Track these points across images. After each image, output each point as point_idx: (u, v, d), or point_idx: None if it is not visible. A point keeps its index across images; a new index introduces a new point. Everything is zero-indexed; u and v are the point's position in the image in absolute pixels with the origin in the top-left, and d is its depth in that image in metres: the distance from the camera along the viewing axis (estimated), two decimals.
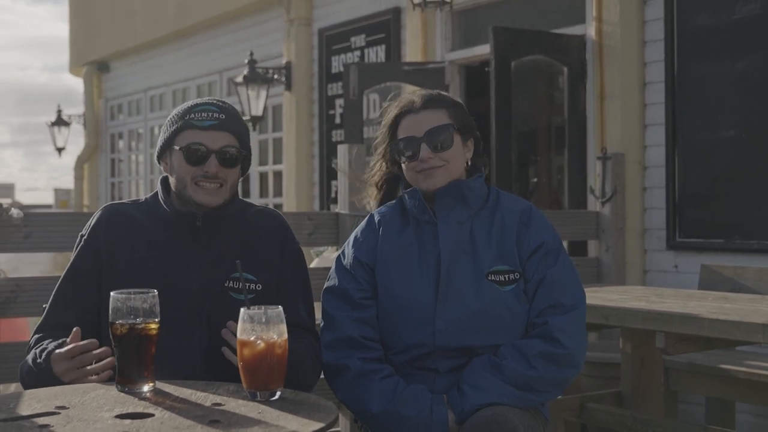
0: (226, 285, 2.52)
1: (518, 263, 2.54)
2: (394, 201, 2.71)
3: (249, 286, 2.52)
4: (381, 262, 2.59)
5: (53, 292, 2.57)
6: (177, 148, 2.52)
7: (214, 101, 2.60)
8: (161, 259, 2.51)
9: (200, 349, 2.48)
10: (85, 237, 2.56)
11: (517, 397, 2.44)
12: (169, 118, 2.60)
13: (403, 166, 2.63)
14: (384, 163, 2.71)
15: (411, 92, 2.74)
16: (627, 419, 3.92)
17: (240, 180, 2.65)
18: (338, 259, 2.67)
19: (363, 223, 2.70)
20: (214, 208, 2.53)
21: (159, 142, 2.62)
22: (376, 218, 2.68)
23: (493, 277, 2.52)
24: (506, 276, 2.52)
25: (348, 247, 2.66)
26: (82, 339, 2.44)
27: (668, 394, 4.29)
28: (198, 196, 2.51)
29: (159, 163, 2.64)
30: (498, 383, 2.43)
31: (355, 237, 2.67)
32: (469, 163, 2.65)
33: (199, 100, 2.61)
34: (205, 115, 2.53)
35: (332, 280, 2.64)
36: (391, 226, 2.64)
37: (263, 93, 8.38)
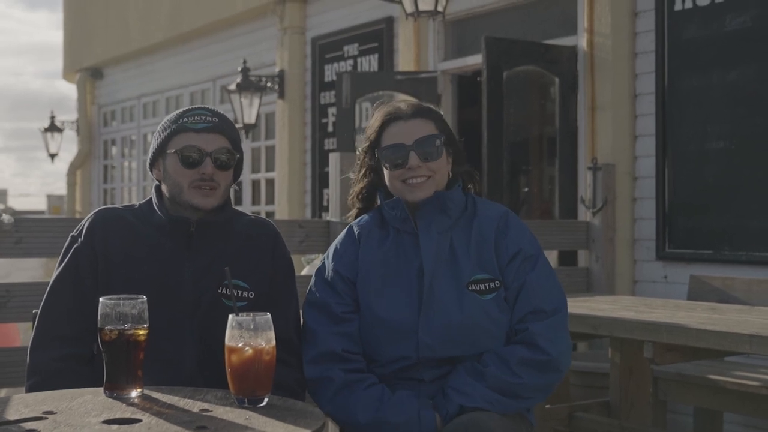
0: (219, 291, 2.52)
1: (497, 271, 2.53)
2: (371, 212, 2.70)
3: (241, 294, 2.53)
4: (362, 275, 2.58)
5: (48, 296, 2.55)
6: (171, 151, 2.53)
7: (206, 107, 2.62)
8: (155, 264, 2.52)
9: (192, 354, 2.49)
10: (81, 239, 2.55)
11: (501, 402, 2.44)
12: (160, 126, 2.60)
13: (386, 174, 2.60)
14: (364, 170, 2.68)
15: (397, 101, 2.72)
16: (615, 429, 3.94)
17: (234, 189, 2.66)
18: (318, 272, 2.65)
19: (342, 235, 2.69)
20: (208, 211, 2.54)
21: (151, 150, 2.62)
22: (356, 230, 2.66)
23: (473, 287, 2.51)
24: (486, 285, 2.52)
25: (328, 260, 2.64)
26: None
27: (656, 403, 4.30)
28: (194, 199, 2.52)
29: (151, 171, 2.63)
30: (482, 389, 2.43)
31: (335, 250, 2.65)
32: (450, 175, 2.64)
33: (190, 107, 2.62)
34: (199, 119, 2.54)
35: (313, 294, 2.62)
36: (370, 238, 2.62)
37: (256, 101, 8.39)
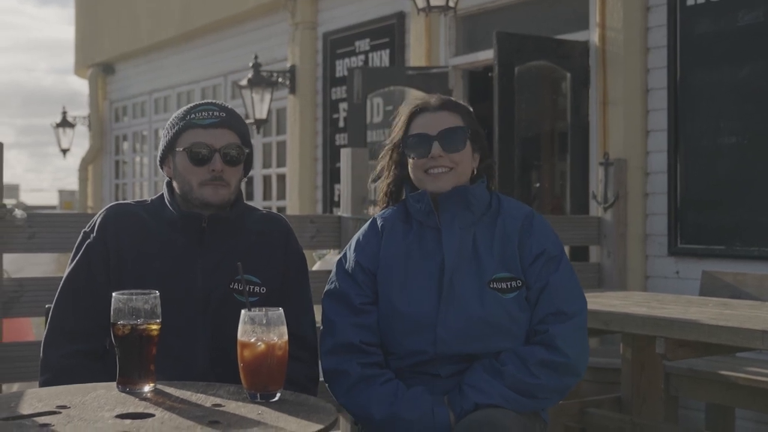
0: (231, 287, 2.52)
1: (520, 270, 2.53)
2: (396, 205, 2.71)
3: (253, 289, 2.53)
4: (383, 268, 2.59)
5: (60, 292, 2.56)
6: (180, 149, 2.53)
7: (213, 101, 2.61)
8: (167, 260, 2.52)
9: (204, 350, 2.49)
10: (93, 235, 2.55)
11: (516, 401, 2.44)
12: (168, 123, 2.60)
13: (410, 163, 2.62)
14: (392, 164, 2.69)
15: (425, 95, 2.74)
16: (627, 424, 3.93)
17: (243, 181, 2.66)
18: (339, 262, 2.66)
19: (365, 226, 2.69)
20: (219, 207, 2.54)
21: (161, 147, 2.62)
22: (379, 222, 2.66)
23: (495, 285, 2.51)
24: (508, 283, 2.52)
25: (350, 251, 2.65)
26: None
27: (668, 399, 4.30)
28: (205, 195, 2.51)
29: (162, 168, 2.63)
30: (499, 387, 2.44)
31: (358, 241, 2.66)
32: (475, 172, 2.65)
33: (198, 102, 2.62)
34: (206, 114, 2.54)
35: (333, 284, 2.62)
36: (394, 230, 2.63)
37: (267, 96, 8.40)
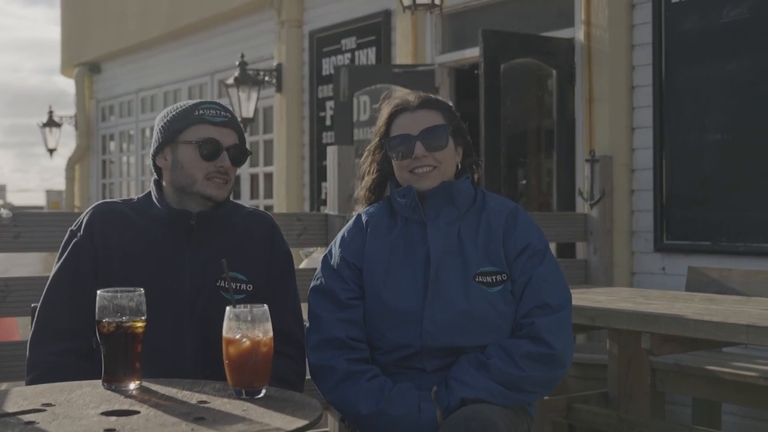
0: (217, 284, 2.53)
1: (505, 264, 2.55)
2: (381, 201, 2.72)
3: (239, 286, 2.54)
4: (368, 262, 2.60)
5: (47, 290, 2.55)
6: (190, 141, 2.53)
7: (215, 101, 2.64)
8: (155, 258, 2.52)
9: (191, 347, 2.49)
10: (80, 234, 2.55)
11: (503, 395, 2.45)
12: (169, 116, 2.59)
13: (394, 164, 2.63)
14: (375, 164, 2.71)
15: (406, 93, 2.75)
16: (614, 420, 3.94)
17: None
18: (325, 258, 2.67)
19: (350, 222, 2.71)
20: (214, 204, 2.55)
21: (158, 137, 2.59)
22: (364, 218, 2.68)
23: (480, 279, 2.52)
24: (493, 277, 2.53)
25: (335, 247, 2.66)
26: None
27: (655, 394, 4.31)
28: (208, 190, 2.53)
29: (155, 159, 2.62)
30: (485, 380, 2.45)
31: (342, 237, 2.67)
32: (459, 167, 2.67)
33: (201, 100, 2.64)
34: (215, 112, 2.57)
35: (319, 280, 2.63)
36: (378, 226, 2.64)
37: (254, 95, 8.39)
